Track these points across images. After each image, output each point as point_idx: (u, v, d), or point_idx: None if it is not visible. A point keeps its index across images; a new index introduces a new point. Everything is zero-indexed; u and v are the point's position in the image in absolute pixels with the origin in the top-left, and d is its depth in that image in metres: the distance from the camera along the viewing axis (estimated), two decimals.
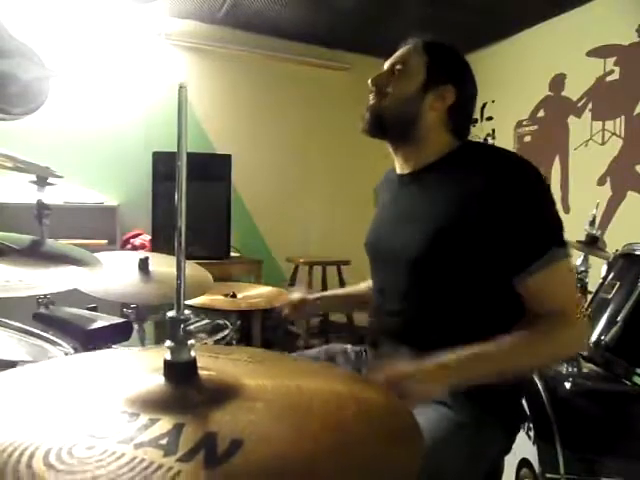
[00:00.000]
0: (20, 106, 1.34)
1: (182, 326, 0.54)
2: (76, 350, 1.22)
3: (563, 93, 3.81)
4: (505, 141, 4.18)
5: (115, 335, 1.27)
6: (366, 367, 1.25)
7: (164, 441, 0.43)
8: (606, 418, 1.38)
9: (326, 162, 4.58)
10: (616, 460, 1.31)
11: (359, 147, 3.75)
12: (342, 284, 3.85)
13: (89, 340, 1.20)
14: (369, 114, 1.18)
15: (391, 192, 1.27)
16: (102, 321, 1.25)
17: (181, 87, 0.56)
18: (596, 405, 1.43)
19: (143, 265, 1.54)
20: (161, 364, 0.54)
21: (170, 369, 0.54)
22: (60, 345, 1.25)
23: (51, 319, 1.31)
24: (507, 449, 1.10)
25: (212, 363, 0.61)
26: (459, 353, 0.94)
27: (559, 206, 1.05)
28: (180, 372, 0.53)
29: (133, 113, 3.85)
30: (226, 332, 1.84)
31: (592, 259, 1.96)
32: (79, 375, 0.60)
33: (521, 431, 1.36)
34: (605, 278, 1.70)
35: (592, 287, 1.82)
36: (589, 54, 3.59)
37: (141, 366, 0.63)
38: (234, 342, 1.90)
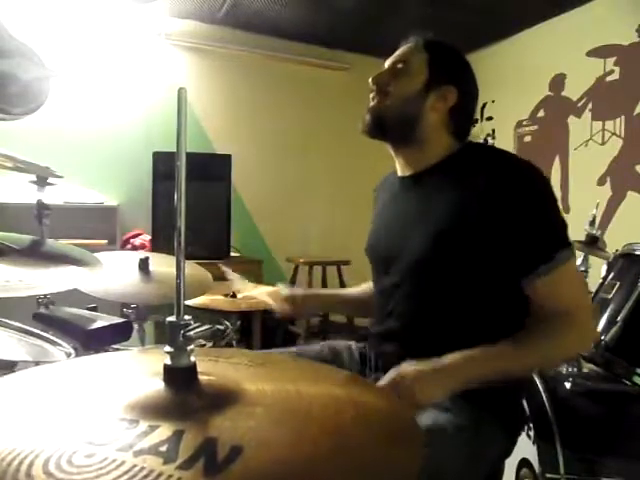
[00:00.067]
0: (20, 106, 1.34)
1: (182, 331, 0.54)
2: (76, 350, 1.22)
3: (563, 93, 3.81)
4: (505, 141, 4.17)
5: (115, 335, 1.27)
6: (369, 366, 1.25)
7: (164, 448, 0.43)
8: (606, 418, 1.38)
9: (326, 162, 4.58)
10: (616, 460, 1.30)
11: (359, 147, 3.74)
12: (342, 284, 3.85)
13: (89, 340, 1.20)
14: (369, 115, 1.17)
15: (392, 194, 1.26)
16: (102, 321, 1.25)
17: (181, 89, 0.56)
18: (596, 405, 1.43)
19: (143, 265, 1.54)
20: (161, 368, 0.54)
21: (170, 374, 0.53)
22: (60, 345, 1.25)
23: (51, 319, 1.31)
24: (508, 452, 1.10)
25: (212, 367, 0.61)
26: (463, 354, 0.94)
27: (559, 206, 1.05)
28: (180, 378, 0.53)
29: (133, 113, 3.85)
30: (226, 332, 1.84)
31: (592, 259, 1.95)
32: (78, 381, 0.59)
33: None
34: (605, 278, 1.70)
35: (592, 287, 1.82)
36: (589, 54, 3.58)
37: (141, 371, 0.63)
38: (234, 342, 1.90)
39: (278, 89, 4.38)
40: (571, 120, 3.74)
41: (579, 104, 3.68)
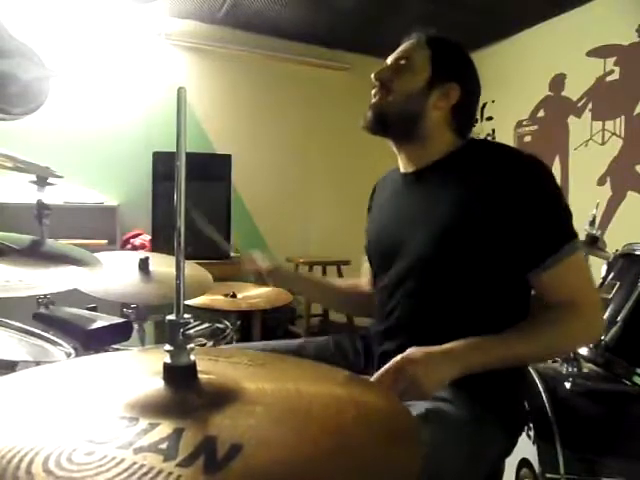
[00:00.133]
0: (20, 106, 1.34)
1: (181, 330, 0.54)
2: (76, 350, 1.22)
3: (563, 93, 3.81)
4: (505, 141, 4.16)
5: (115, 335, 1.27)
6: (372, 364, 1.25)
7: (164, 446, 0.43)
8: (606, 418, 1.37)
9: (326, 162, 4.58)
10: (616, 460, 1.30)
11: (359, 147, 3.75)
12: None
13: (89, 340, 1.20)
14: (371, 112, 1.16)
15: (394, 191, 1.25)
16: (102, 321, 1.24)
17: (180, 89, 0.56)
18: (596, 405, 1.42)
19: (143, 265, 1.54)
20: (161, 367, 0.54)
21: (170, 373, 0.53)
22: (60, 345, 1.25)
23: (51, 319, 1.31)
24: (508, 451, 1.10)
25: (212, 366, 0.61)
26: (469, 340, 0.95)
27: (564, 198, 1.05)
28: (180, 376, 0.53)
29: (133, 113, 3.85)
30: (226, 332, 1.84)
31: (592, 259, 1.95)
32: (78, 379, 0.59)
33: None
34: (605, 278, 1.69)
35: None
36: (589, 54, 3.59)
37: (140, 369, 0.63)
38: (234, 342, 1.90)
39: (278, 89, 4.38)
40: (571, 120, 3.74)
41: (579, 104, 3.68)
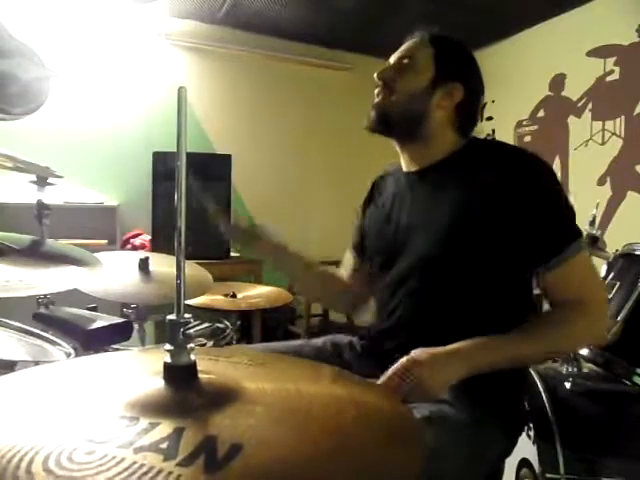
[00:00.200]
0: (20, 106, 1.34)
1: (182, 329, 0.54)
2: (76, 350, 1.22)
3: (563, 93, 3.81)
4: (505, 141, 4.17)
5: (115, 335, 1.27)
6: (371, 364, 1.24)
7: (164, 445, 0.43)
8: (606, 418, 1.37)
9: (326, 162, 4.58)
10: (616, 460, 1.30)
11: (359, 147, 3.75)
12: None
13: (89, 340, 1.20)
14: (374, 111, 1.15)
15: (397, 190, 1.24)
16: (102, 321, 1.24)
17: (181, 89, 0.56)
18: (596, 405, 1.42)
19: (143, 265, 1.55)
20: (161, 367, 0.54)
21: (170, 372, 0.53)
22: (60, 345, 1.25)
23: (51, 319, 1.31)
24: (508, 452, 1.09)
25: (212, 366, 0.61)
26: (474, 340, 0.95)
27: (567, 197, 1.05)
28: (180, 376, 0.53)
29: (133, 113, 3.85)
30: (226, 332, 1.84)
31: (592, 259, 1.95)
32: (78, 379, 0.59)
33: None
34: (605, 278, 1.69)
35: None
36: (589, 54, 3.59)
37: (141, 369, 0.63)
38: (234, 342, 1.90)
39: (278, 89, 4.38)
40: (571, 120, 3.74)
41: (579, 104, 3.68)
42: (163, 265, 1.60)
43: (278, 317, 3.91)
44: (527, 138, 4.10)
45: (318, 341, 1.32)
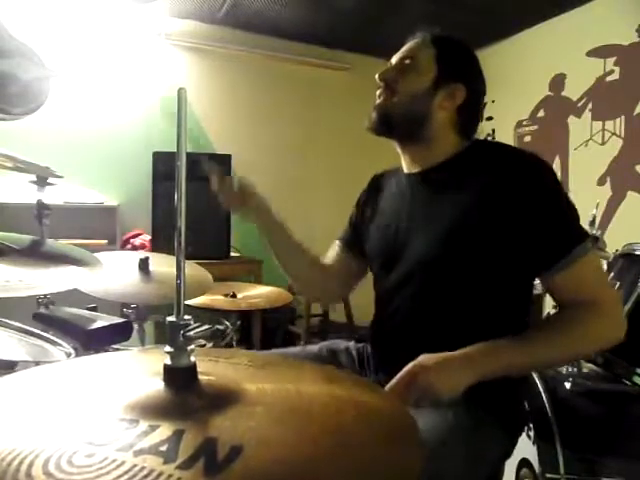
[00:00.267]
0: (20, 106, 1.34)
1: (182, 331, 0.54)
2: (76, 350, 1.22)
3: (563, 93, 3.81)
4: (505, 141, 4.15)
5: (115, 335, 1.27)
6: (368, 367, 1.24)
7: (164, 448, 0.42)
8: (606, 418, 1.38)
9: (326, 162, 4.58)
10: (616, 460, 1.30)
11: (359, 147, 3.75)
12: None
13: (89, 340, 1.20)
14: (376, 113, 1.14)
15: (398, 191, 1.23)
16: (102, 321, 1.24)
17: (181, 89, 0.56)
18: (596, 405, 1.43)
19: (143, 265, 1.55)
20: (161, 368, 0.54)
21: (170, 374, 0.53)
22: (60, 345, 1.25)
23: (51, 319, 1.31)
24: (508, 452, 1.09)
25: (212, 368, 0.61)
26: (484, 345, 0.94)
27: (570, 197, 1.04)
28: (180, 377, 0.53)
29: (133, 113, 3.85)
30: (226, 332, 1.84)
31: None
32: (78, 380, 0.59)
33: None
34: None
35: None
36: (589, 54, 3.58)
37: (140, 370, 0.63)
38: (234, 342, 1.90)
39: (278, 89, 4.38)
40: (571, 120, 3.74)
41: (579, 104, 3.68)
42: (163, 265, 1.60)
43: (278, 317, 3.91)
44: (527, 138, 4.10)
45: (314, 347, 1.32)
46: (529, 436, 1.38)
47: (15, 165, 1.29)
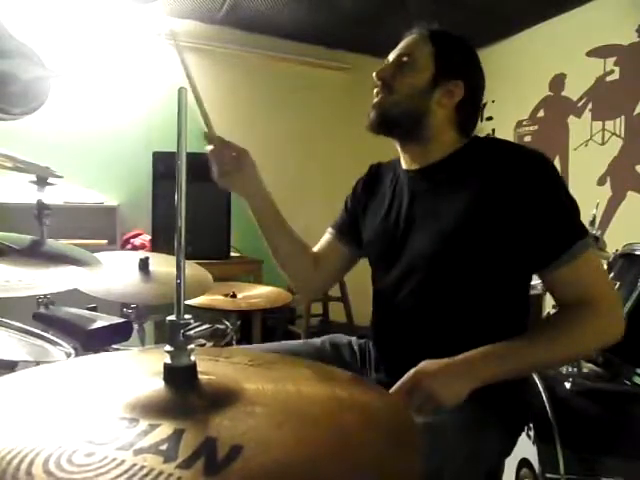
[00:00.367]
0: (20, 106, 1.33)
1: (182, 331, 0.54)
2: (76, 350, 1.22)
3: (563, 93, 3.81)
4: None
5: (115, 335, 1.27)
6: (370, 365, 1.24)
7: (164, 447, 0.43)
8: (606, 418, 1.37)
9: (326, 162, 4.58)
10: (616, 460, 1.30)
11: (359, 147, 3.74)
12: (342, 285, 3.84)
13: (89, 340, 1.20)
14: (374, 112, 1.14)
15: (397, 188, 1.22)
16: (102, 321, 1.25)
17: (181, 89, 0.56)
18: (596, 405, 1.42)
19: (143, 265, 1.55)
20: (161, 368, 0.54)
21: (170, 374, 0.53)
22: (60, 345, 1.25)
23: (51, 319, 1.31)
24: (508, 451, 1.09)
25: (212, 367, 0.61)
26: (484, 350, 0.93)
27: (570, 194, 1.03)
28: (180, 377, 0.53)
29: (133, 113, 3.85)
30: (226, 332, 1.84)
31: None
32: (78, 379, 0.59)
33: None
34: None
35: None
36: (589, 54, 3.58)
37: (140, 370, 0.63)
38: (234, 342, 1.90)
39: (278, 89, 4.37)
40: (571, 120, 3.74)
41: (579, 104, 3.68)
42: (163, 265, 1.60)
43: (278, 317, 3.91)
44: (527, 138, 4.10)
45: (317, 341, 1.31)
46: (529, 436, 1.38)
47: (15, 165, 1.29)
